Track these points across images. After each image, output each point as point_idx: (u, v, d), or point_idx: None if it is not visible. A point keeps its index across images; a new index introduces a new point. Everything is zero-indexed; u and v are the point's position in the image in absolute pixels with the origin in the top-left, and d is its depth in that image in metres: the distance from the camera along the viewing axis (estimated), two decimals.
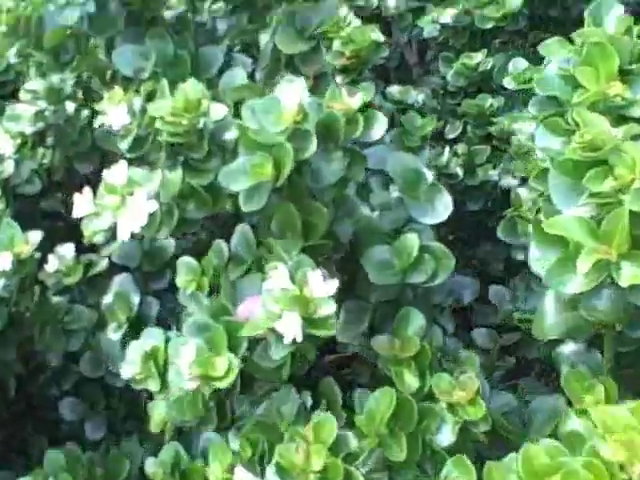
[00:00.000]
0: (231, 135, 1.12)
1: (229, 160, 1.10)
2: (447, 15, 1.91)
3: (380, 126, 1.09)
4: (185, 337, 1.10)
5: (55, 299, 1.59)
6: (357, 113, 1.08)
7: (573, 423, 1.11)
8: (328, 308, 0.99)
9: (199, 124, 1.08)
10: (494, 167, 1.84)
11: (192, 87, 1.07)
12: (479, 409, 1.05)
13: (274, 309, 1.01)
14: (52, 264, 1.56)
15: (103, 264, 1.62)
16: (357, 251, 1.20)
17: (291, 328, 0.98)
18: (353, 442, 1.04)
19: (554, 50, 1.09)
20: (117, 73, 1.42)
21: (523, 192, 1.38)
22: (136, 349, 1.15)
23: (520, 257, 1.65)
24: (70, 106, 1.63)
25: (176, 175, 1.05)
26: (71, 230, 2.05)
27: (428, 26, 1.98)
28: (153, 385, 1.12)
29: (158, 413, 1.16)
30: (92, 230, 1.09)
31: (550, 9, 2.00)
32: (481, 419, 1.05)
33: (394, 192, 1.22)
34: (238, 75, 1.18)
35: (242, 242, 1.24)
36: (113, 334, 1.50)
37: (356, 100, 1.09)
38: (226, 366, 1.03)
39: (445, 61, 1.97)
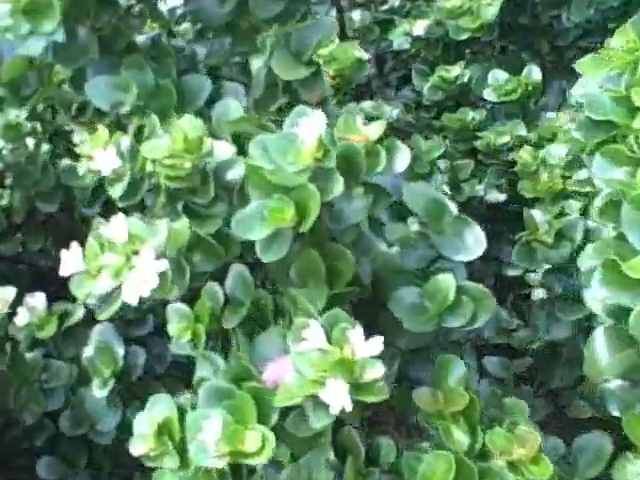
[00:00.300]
0: (235, 175, 0.97)
1: (237, 204, 0.96)
2: (419, 27, 1.80)
3: (403, 157, 0.96)
4: (203, 408, 0.94)
5: (29, 355, 1.42)
6: (377, 144, 0.95)
7: (636, 468, 1.00)
8: (376, 371, 0.85)
9: (202, 165, 0.93)
10: (480, 182, 1.74)
11: (191, 123, 0.92)
12: (545, 468, 0.93)
13: (310, 374, 0.87)
14: (22, 317, 1.40)
15: (79, 313, 1.46)
16: (380, 293, 1.06)
17: (338, 397, 0.84)
18: None
19: (591, 68, 0.97)
20: (87, 106, 1.26)
21: (537, 215, 1.27)
22: (146, 421, 0.99)
23: (512, 273, 1.55)
24: (30, 142, 1.46)
25: (182, 224, 0.90)
26: (34, 275, 1.88)
27: (398, 39, 1.87)
28: (171, 462, 0.96)
29: None
30: (85, 292, 0.93)
31: (520, 17, 1.92)
32: (546, 476, 0.93)
33: (413, 225, 1.09)
34: (232, 106, 1.03)
35: (238, 284, 1.09)
36: (98, 391, 1.34)
37: (374, 130, 0.95)
38: (260, 441, 0.88)
39: (419, 74, 1.86)
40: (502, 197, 1.76)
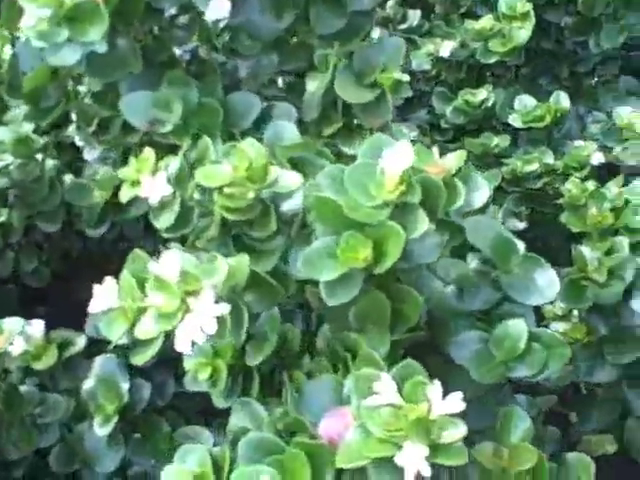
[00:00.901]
0: (293, 206, 0.87)
1: (295, 239, 0.86)
2: (446, 48, 1.72)
3: (482, 191, 0.87)
4: (246, 464, 0.84)
5: (23, 388, 1.30)
6: (454, 177, 0.86)
7: None
8: (457, 431, 0.76)
9: (263, 196, 0.83)
10: (500, 207, 1.67)
11: (255, 149, 0.82)
12: None
13: (379, 433, 0.77)
14: (18, 345, 1.27)
15: (81, 343, 1.35)
16: (436, 337, 0.97)
17: (414, 460, 0.74)
18: None
19: None
20: (111, 122, 1.15)
21: (586, 251, 1.19)
22: (177, 475, 0.88)
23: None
24: (38, 157, 1.35)
25: (241, 261, 0.80)
26: (27, 296, 1.76)
27: (419, 59, 1.78)
28: None
29: None
30: (119, 333, 0.82)
31: (543, 41, 1.85)
32: None
33: (473, 263, 1.00)
34: (287, 128, 0.93)
35: (264, 316, 1.00)
36: (100, 429, 1.23)
37: (452, 161, 0.86)
38: None
39: (441, 97, 1.78)
40: (521, 225, 1.69)
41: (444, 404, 0.77)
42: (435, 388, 0.78)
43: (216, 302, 0.75)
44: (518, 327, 0.92)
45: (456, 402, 0.77)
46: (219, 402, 1.06)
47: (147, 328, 0.78)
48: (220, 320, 0.75)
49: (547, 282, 0.95)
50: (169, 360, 1.22)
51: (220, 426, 1.15)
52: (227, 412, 1.04)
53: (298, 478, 0.81)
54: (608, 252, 1.21)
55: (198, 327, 0.74)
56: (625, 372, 1.20)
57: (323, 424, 0.83)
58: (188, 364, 1.06)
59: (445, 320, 0.97)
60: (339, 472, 0.81)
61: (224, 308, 0.75)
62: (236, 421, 0.93)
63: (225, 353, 1.03)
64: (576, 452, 0.96)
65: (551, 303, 1.36)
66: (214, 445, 1.18)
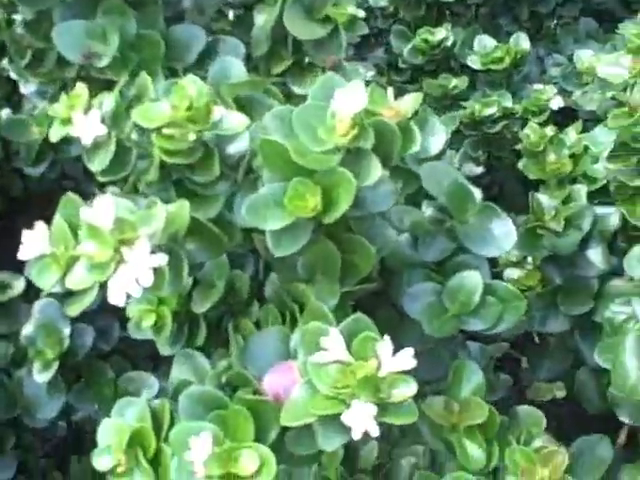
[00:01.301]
0: (239, 149, 0.81)
1: (242, 184, 0.80)
2: None
3: (439, 136, 0.82)
4: (188, 419, 0.79)
5: None
6: (410, 122, 0.80)
7: None
8: (407, 389, 0.72)
9: (206, 138, 0.77)
10: (457, 152, 1.62)
11: (197, 87, 0.76)
12: None
13: (327, 390, 0.73)
14: None
15: (19, 286, 1.29)
16: (388, 288, 0.93)
17: (362, 419, 0.71)
18: None
19: None
20: (46, 54, 1.07)
21: (543, 199, 1.15)
22: (113, 429, 0.84)
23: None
24: None
25: (181, 208, 0.74)
26: None
27: None
28: None
29: None
30: (50, 282, 0.76)
31: None
32: None
33: (428, 211, 0.96)
34: (234, 65, 0.86)
35: (213, 263, 0.95)
36: (39, 375, 1.18)
37: (408, 104, 0.81)
38: (257, 462, 0.75)
39: (399, 35, 1.71)
40: (478, 170, 1.65)
41: (394, 361, 0.73)
42: (385, 344, 0.74)
43: (153, 252, 0.69)
44: (473, 279, 0.88)
45: (407, 359, 0.73)
46: (164, 349, 1.01)
47: (79, 278, 0.72)
48: (157, 271, 0.69)
49: (504, 233, 0.91)
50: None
51: (168, 372, 1.11)
52: None
53: (241, 435, 0.77)
54: (566, 200, 1.17)
55: (133, 279, 0.69)
56: (577, 322, 1.18)
57: (268, 379, 0.79)
58: (131, 311, 1.01)
59: (398, 271, 0.93)
60: (284, 429, 0.77)
61: (161, 259, 0.70)
62: (178, 373, 0.88)
63: (170, 300, 0.99)
64: (527, 405, 0.93)
65: None
66: (160, 391, 1.14)
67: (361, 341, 0.75)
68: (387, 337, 0.74)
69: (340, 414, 0.72)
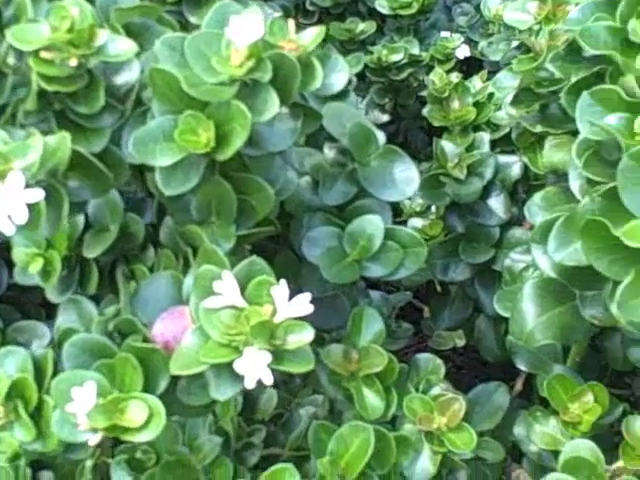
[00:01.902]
0: (127, 79, 0.75)
1: (134, 117, 0.74)
2: None
3: (342, 73, 0.78)
4: (71, 369, 0.74)
5: None
6: (311, 56, 0.76)
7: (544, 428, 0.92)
8: (304, 336, 0.69)
9: (90, 64, 0.70)
10: (363, 99, 1.59)
11: (80, 7, 0.69)
12: (468, 439, 0.82)
13: (219, 337, 0.69)
14: None
15: None
16: (287, 232, 0.89)
17: (256, 368, 0.67)
18: None
19: None
20: None
21: (447, 146, 1.13)
22: None
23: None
24: None
25: (61, 140, 0.68)
26: None
27: None
28: (24, 434, 0.76)
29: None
30: None
31: None
32: (469, 448, 0.82)
33: (330, 152, 0.92)
34: None
35: (103, 205, 0.89)
36: None
37: (311, 37, 0.76)
38: (145, 413, 0.70)
39: None
40: (384, 118, 1.62)
41: (290, 306, 0.69)
42: (281, 289, 0.70)
43: (28, 187, 0.63)
44: (374, 224, 0.85)
45: (303, 304, 0.69)
46: (53, 297, 0.95)
47: None
48: (33, 208, 0.63)
49: (406, 178, 0.88)
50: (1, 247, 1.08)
51: None
52: None
53: (128, 384, 0.72)
54: (469, 148, 1.16)
55: (5, 215, 0.62)
56: (478, 271, 1.18)
57: (158, 325, 0.75)
58: (17, 255, 0.94)
59: (298, 215, 0.89)
60: (176, 379, 0.73)
61: (36, 194, 0.63)
62: (63, 321, 0.82)
63: (60, 244, 0.92)
64: (427, 353, 0.92)
65: (409, 199, 1.32)
66: (52, 341, 1.08)
67: (256, 285, 0.71)
68: (283, 281, 0.70)
69: (233, 362, 0.68)
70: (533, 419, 0.94)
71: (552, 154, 0.90)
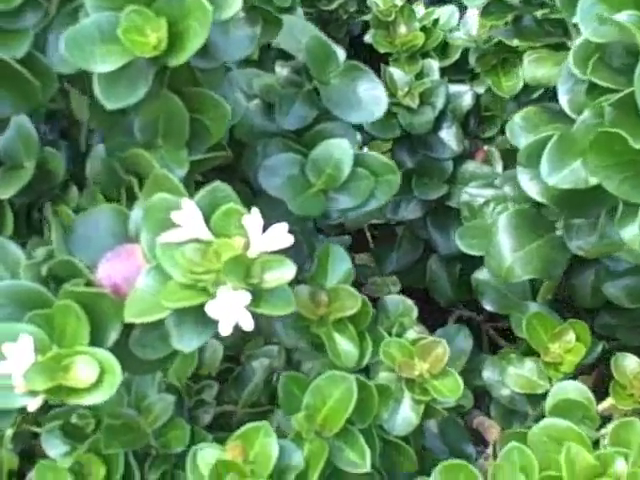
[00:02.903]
0: None
1: (62, 17, 0.61)
2: None
3: None
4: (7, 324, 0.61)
5: None
6: None
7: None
8: (284, 272, 0.58)
9: None
10: None
11: None
12: (454, 384, 0.74)
13: (182, 277, 0.58)
14: None
15: None
16: (242, 163, 0.78)
17: (233, 311, 0.56)
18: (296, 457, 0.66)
19: None
20: None
21: (396, 73, 1.03)
22: None
23: None
24: None
25: None
26: None
27: None
28: None
29: None
30: None
31: None
32: (456, 395, 0.74)
33: (283, 71, 0.81)
34: None
35: (16, 139, 0.76)
36: None
37: None
38: (96, 370, 0.58)
39: None
40: None
41: (265, 238, 0.59)
42: (253, 218, 0.59)
43: None
44: (341, 148, 0.75)
45: (281, 236, 0.59)
46: None
47: None
48: None
49: (373, 97, 0.78)
50: None
51: None
52: None
53: (71, 337, 0.59)
54: (418, 77, 1.07)
55: None
56: (431, 209, 1.10)
57: (104, 267, 0.62)
58: None
59: (250, 142, 0.78)
60: (126, 329, 0.61)
61: None
62: None
63: None
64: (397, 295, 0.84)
65: None
66: None
67: (222, 216, 0.59)
68: (255, 209, 0.59)
69: (201, 306, 0.57)
70: (507, 362, 0.87)
71: (533, 69, 0.82)
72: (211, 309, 0.56)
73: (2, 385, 0.58)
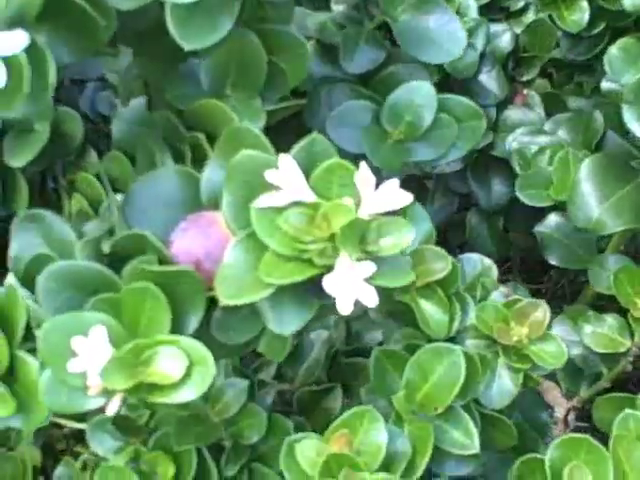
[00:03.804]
0: None
1: None
2: None
3: None
4: (51, 309, 0.52)
5: None
6: None
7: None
8: (403, 235, 0.49)
9: None
10: None
11: None
12: (558, 350, 0.66)
13: (285, 248, 0.48)
14: None
15: None
16: (301, 113, 0.69)
17: (354, 285, 0.47)
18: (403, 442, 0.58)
19: None
20: None
21: None
22: None
23: None
24: None
25: None
26: None
27: None
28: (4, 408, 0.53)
29: None
30: None
31: None
32: (561, 361, 0.66)
33: (338, 6, 0.71)
34: None
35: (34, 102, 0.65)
36: None
37: None
38: (184, 362, 0.49)
39: None
40: None
41: (378, 197, 0.50)
42: (364, 174, 0.50)
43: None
44: (422, 93, 0.66)
45: (398, 193, 0.50)
46: None
47: None
48: (13, 64, 0.39)
49: (449, 33, 0.68)
50: None
51: None
52: None
53: (148, 324, 0.50)
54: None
55: None
56: (470, 160, 1.01)
57: (181, 240, 0.53)
58: None
59: (310, 89, 0.69)
60: (209, 310, 0.52)
61: (18, 39, 0.40)
62: (21, 246, 0.58)
63: None
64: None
65: None
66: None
67: (324, 172, 0.50)
68: (364, 164, 0.50)
69: (309, 280, 0.48)
70: (583, 320, 0.80)
71: None
72: (329, 283, 0.47)
73: (71, 385, 0.49)
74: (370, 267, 0.47)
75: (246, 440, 0.64)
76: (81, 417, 0.65)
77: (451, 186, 1.06)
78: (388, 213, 0.50)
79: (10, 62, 0.40)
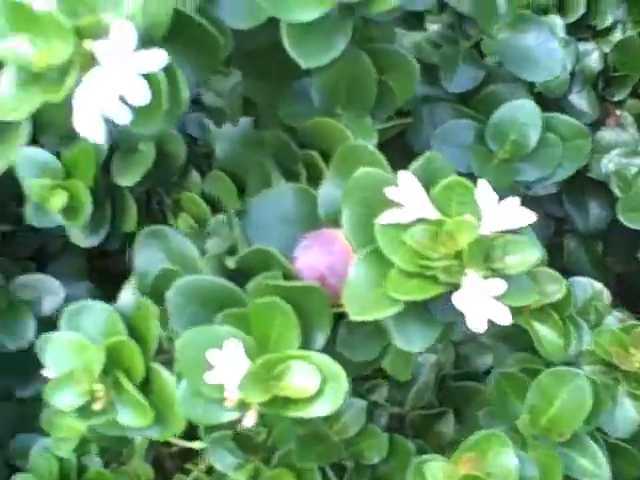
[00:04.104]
0: None
1: None
2: None
3: None
4: (182, 325, 0.51)
5: None
6: None
7: None
8: (527, 254, 0.48)
9: None
10: None
11: None
12: None
13: (410, 264, 0.47)
14: None
15: None
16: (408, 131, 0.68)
17: (483, 303, 0.46)
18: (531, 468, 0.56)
19: None
20: None
21: None
22: (72, 349, 0.53)
23: None
24: None
25: None
26: None
27: None
28: (137, 417, 0.52)
29: None
30: None
31: None
32: None
33: (434, 28, 0.71)
34: None
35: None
36: None
37: None
38: (317, 377, 0.48)
39: None
40: None
41: (501, 214, 0.49)
42: (485, 191, 0.49)
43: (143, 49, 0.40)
44: (527, 111, 0.64)
45: (519, 211, 0.49)
46: (80, 240, 0.72)
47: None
48: (154, 81, 0.40)
49: (547, 51, 0.67)
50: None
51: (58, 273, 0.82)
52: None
53: (277, 339, 0.49)
54: None
55: (113, 93, 0.39)
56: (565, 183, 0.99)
57: (305, 256, 0.52)
58: (30, 188, 0.70)
59: (415, 107, 0.68)
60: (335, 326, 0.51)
61: (156, 57, 0.40)
62: (145, 261, 0.58)
63: (85, 171, 0.69)
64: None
65: None
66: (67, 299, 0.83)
67: (444, 189, 0.49)
68: (483, 181, 0.49)
69: (434, 297, 0.47)
70: None
71: None
72: (459, 300, 0.46)
73: (208, 397, 0.49)
74: (501, 285, 0.46)
75: (367, 460, 0.63)
76: (193, 435, 0.64)
77: (546, 209, 1.04)
78: (505, 232, 0.49)
79: (150, 79, 0.40)
